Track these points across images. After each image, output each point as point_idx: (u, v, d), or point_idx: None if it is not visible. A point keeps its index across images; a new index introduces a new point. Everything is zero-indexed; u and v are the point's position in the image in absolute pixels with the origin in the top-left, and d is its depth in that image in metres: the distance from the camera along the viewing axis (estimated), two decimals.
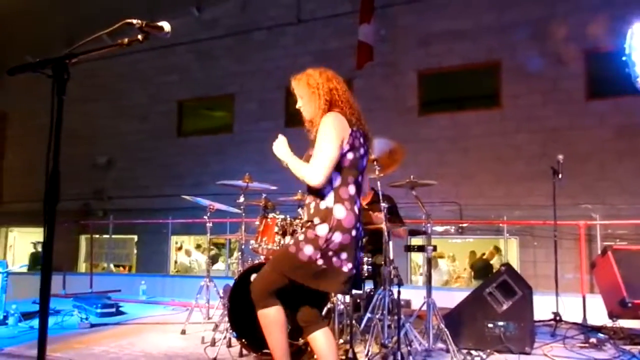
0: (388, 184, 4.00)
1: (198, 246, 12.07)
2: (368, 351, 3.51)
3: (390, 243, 3.74)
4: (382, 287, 3.74)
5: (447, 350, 3.61)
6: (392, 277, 3.68)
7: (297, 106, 2.62)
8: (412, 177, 3.95)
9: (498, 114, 9.37)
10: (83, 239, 12.58)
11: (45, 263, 1.56)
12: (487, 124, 9.39)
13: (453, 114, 9.86)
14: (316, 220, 2.38)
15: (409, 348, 3.61)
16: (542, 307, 4.65)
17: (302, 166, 2.42)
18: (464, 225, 8.59)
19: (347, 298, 3.85)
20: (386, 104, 10.03)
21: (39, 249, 12.03)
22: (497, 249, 10.20)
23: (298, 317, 2.57)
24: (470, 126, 9.49)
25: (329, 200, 2.39)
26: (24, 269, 6.40)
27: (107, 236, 10.88)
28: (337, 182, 2.42)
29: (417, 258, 10.29)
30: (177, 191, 9.27)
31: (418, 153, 8.94)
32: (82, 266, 12.43)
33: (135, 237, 12.34)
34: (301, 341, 3.49)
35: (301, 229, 2.48)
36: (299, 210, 4.05)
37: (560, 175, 4.87)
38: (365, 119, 2.59)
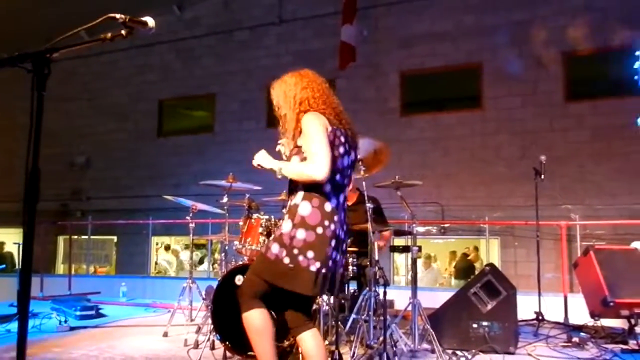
0: (373, 184, 3.99)
1: (186, 246, 11.90)
2: (354, 352, 3.49)
3: (376, 244, 3.73)
4: (368, 288, 3.73)
5: (433, 351, 3.61)
6: (377, 277, 3.67)
7: (277, 114, 2.60)
8: (397, 177, 3.95)
9: (479, 115, 9.45)
10: (61, 240, 12.33)
11: (24, 264, 1.50)
12: (468, 125, 9.48)
13: (434, 115, 9.92)
14: (284, 217, 2.41)
15: (394, 349, 3.60)
16: (524, 306, 4.69)
17: (301, 165, 2.36)
18: (446, 225, 8.64)
19: (332, 299, 3.83)
20: (368, 105, 10.05)
21: (5, 249, 11.77)
22: (475, 249, 10.32)
23: (287, 319, 2.54)
24: (452, 127, 9.56)
25: (297, 198, 2.38)
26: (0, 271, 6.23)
27: (86, 237, 10.67)
28: None
29: (398, 258, 10.33)
30: (157, 191, 9.14)
31: (400, 154, 8.98)
32: (60, 268, 12.18)
33: (115, 238, 12.14)
34: (286, 343, 3.45)
35: (266, 228, 2.51)
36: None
37: (542, 176, 4.92)
38: (349, 119, 2.55)
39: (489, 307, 3.89)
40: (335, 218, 2.39)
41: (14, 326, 4.73)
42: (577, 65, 9.04)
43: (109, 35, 1.77)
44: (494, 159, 9.17)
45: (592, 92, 8.93)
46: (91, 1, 10.24)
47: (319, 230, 2.32)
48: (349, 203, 4.75)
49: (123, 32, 1.79)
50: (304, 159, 2.38)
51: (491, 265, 4.18)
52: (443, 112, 9.96)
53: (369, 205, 3.68)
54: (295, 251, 2.30)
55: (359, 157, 3.80)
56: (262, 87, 10.46)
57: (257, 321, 2.42)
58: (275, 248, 2.34)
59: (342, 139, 2.45)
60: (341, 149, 2.44)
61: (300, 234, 2.31)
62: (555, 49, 8.93)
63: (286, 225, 2.35)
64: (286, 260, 2.31)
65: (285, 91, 2.53)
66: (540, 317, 4.81)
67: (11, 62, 1.54)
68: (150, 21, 1.87)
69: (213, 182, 4.32)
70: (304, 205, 2.34)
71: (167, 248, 11.87)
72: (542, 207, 5.30)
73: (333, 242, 2.37)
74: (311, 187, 2.36)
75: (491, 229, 8.80)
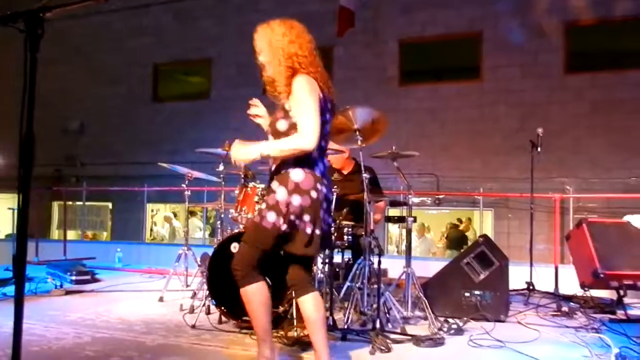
0: (370, 154, 3.98)
1: (175, 214, 11.96)
2: (348, 318, 3.54)
3: (371, 214, 3.74)
4: (362, 257, 3.76)
5: (425, 318, 3.67)
6: (372, 247, 3.70)
7: (258, 61, 2.51)
8: (394, 148, 3.93)
9: (477, 86, 9.38)
10: (55, 206, 12.32)
11: (20, 229, 1.49)
12: (466, 96, 9.41)
13: (433, 85, 9.84)
14: (274, 185, 2.38)
15: (387, 315, 3.65)
16: (516, 277, 4.75)
17: (290, 141, 2.31)
18: (441, 196, 8.67)
19: (326, 267, 3.87)
20: (366, 73, 9.95)
21: None
22: (468, 220, 10.43)
23: (287, 277, 2.57)
24: (450, 98, 9.50)
25: (288, 164, 2.36)
26: None
27: (81, 203, 10.67)
28: None
29: (392, 228, 10.41)
30: (152, 158, 9.10)
31: (398, 124, 8.93)
32: (55, 233, 12.21)
33: (110, 205, 12.14)
34: (281, 309, 3.50)
35: (261, 197, 2.43)
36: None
37: (539, 149, 4.92)
38: (331, 84, 2.50)
39: (482, 276, 3.94)
40: (325, 181, 2.44)
41: (9, 289, 4.76)
42: (578, 37, 8.94)
43: None
44: (492, 131, 9.14)
45: (592, 65, 8.85)
46: None
47: (313, 194, 2.36)
48: (345, 172, 4.76)
49: None
50: (292, 125, 2.35)
51: (485, 236, 4.21)
52: (442, 82, 9.87)
53: (365, 175, 3.68)
54: (292, 217, 2.33)
55: (356, 126, 3.80)
56: None
57: (257, 295, 2.43)
58: (271, 216, 2.33)
59: (329, 106, 2.46)
60: (327, 116, 2.44)
61: (296, 199, 2.33)
62: (556, 19, 8.81)
63: (281, 193, 2.34)
64: (284, 227, 2.33)
65: (272, 40, 2.43)
66: (531, 287, 4.88)
67: (3, 22, 1.50)
68: None
69: (209, 150, 4.29)
70: (296, 172, 2.35)
71: (169, 219, 11.89)
72: (537, 180, 5.32)
73: (325, 205, 2.45)
74: (298, 155, 2.35)
75: (485, 200, 8.85)
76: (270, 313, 2.52)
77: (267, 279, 3.55)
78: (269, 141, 2.41)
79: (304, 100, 2.31)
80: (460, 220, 10.64)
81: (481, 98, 9.28)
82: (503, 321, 3.82)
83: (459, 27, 9.44)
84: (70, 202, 10.82)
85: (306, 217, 2.36)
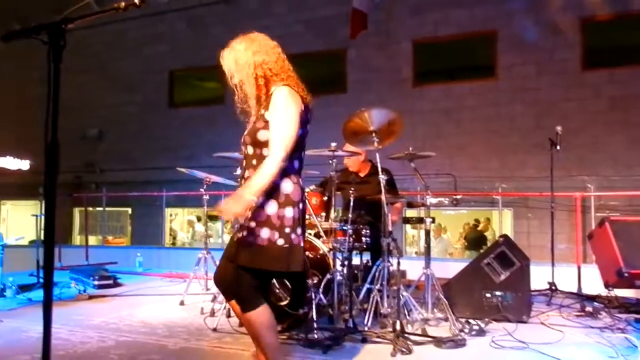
0: (386, 156, 3.97)
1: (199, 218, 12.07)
2: (368, 320, 3.54)
3: (389, 215, 3.74)
4: (381, 259, 3.75)
5: (446, 319, 3.65)
6: (390, 248, 3.69)
7: (232, 84, 2.42)
8: (410, 149, 3.93)
9: (493, 85, 9.30)
10: (77, 212, 12.51)
11: (47, 235, 1.52)
12: (481, 95, 9.34)
13: (447, 85, 9.78)
14: (262, 198, 2.19)
15: (408, 317, 3.64)
16: (537, 277, 4.70)
17: (266, 169, 2.17)
18: (459, 197, 8.61)
19: (345, 269, 3.88)
20: (380, 74, 9.92)
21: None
22: (487, 220, 10.35)
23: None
24: (465, 98, 9.43)
25: (276, 177, 2.21)
26: (21, 242, 6.36)
27: (101, 209, 10.81)
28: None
29: (409, 229, 10.37)
30: (169, 163, 9.19)
31: (413, 125, 8.88)
32: (77, 239, 12.40)
33: (130, 210, 12.29)
34: (301, 311, 3.51)
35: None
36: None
37: (558, 147, 4.86)
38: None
39: (502, 277, 3.91)
40: (305, 192, 2.39)
41: (34, 295, 4.85)
42: (595, 32, 8.81)
43: (123, 4, 1.74)
44: (508, 130, 9.06)
45: (609, 61, 8.72)
46: None
47: (301, 206, 2.31)
48: (362, 175, 4.76)
49: (136, 0, 1.77)
50: (254, 130, 2.29)
51: (505, 236, 4.18)
52: (456, 82, 9.80)
53: (382, 177, 3.68)
54: (287, 230, 2.23)
55: (372, 128, 3.80)
56: None
57: (264, 317, 2.30)
58: (265, 233, 2.20)
59: (309, 116, 2.37)
60: (307, 127, 2.37)
61: (289, 212, 2.24)
62: (572, 15, 8.71)
63: (271, 207, 2.22)
64: (280, 242, 2.22)
65: (237, 58, 2.37)
66: (553, 288, 4.82)
67: (27, 34, 1.53)
68: None
69: (227, 154, 4.32)
70: (285, 183, 2.25)
71: (192, 223, 12.00)
72: (556, 178, 5.26)
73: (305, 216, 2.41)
74: (286, 166, 2.25)
75: (504, 200, 8.76)
76: (277, 335, 2.42)
77: (287, 282, 3.59)
78: (252, 180, 2.19)
79: (284, 115, 2.23)
80: (478, 221, 10.56)
81: (497, 97, 9.20)
82: (525, 322, 3.78)
83: (472, 26, 9.37)
84: (90, 208, 10.97)
85: (298, 230, 2.28)
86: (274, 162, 2.18)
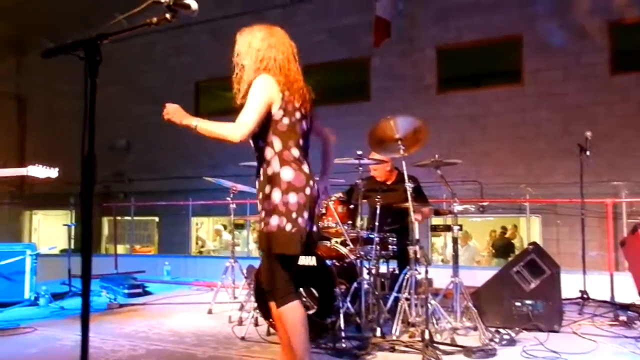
0: (412, 163, 3.96)
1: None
2: (395, 329, 3.52)
3: (416, 223, 3.72)
4: (408, 267, 3.73)
5: (475, 329, 3.60)
6: (418, 256, 3.66)
7: (235, 61, 2.56)
8: (437, 156, 3.90)
9: (518, 90, 9.19)
10: (105, 221, 12.75)
11: (84, 245, 1.56)
12: (507, 101, 9.24)
13: (472, 92, 9.70)
14: (267, 188, 2.35)
15: (436, 326, 3.61)
16: (568, 285, 4.60)
17: (220, 125, 2.35)
18: (485, 204, 8.49)
19: (371, 278, 3.86)
20: (403, 82, 9.90)
21: None
22: (515, 227, 10.18)
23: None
24: (490, 104, 9.34)
25: (275, 165, 2.36)
26: (54, 251, 6.51)
27: (129, 218, 11.00)
28: (279, 146, 2.38)
29: (434, 237, 10.27)
30: (195, 173, 9.31)
31: (437, 132, 8.81)
32: (105, 247, 12.63)
33: (157, 219, 12.47)
34: (328, 320, 3.51)
35: (258, 199, 2.41)
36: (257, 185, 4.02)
37: (588, 152, 4.77)
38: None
39: (533, 285, 3.84)
40: (313, 179, 2.44)
41: (66, 303, 4.96)
42: (624, 35, 8.65)
43: (155, 19, 1.79)
44: (534, 136, 8.93)
45: (639, 64, 8.54)
46: None
47: (307, 191, 2.38)
48: (388, 182, 4.74)
49: (168, 15, 1.81)
50: None
51: (534, 243, 4.11)
52: (481, 88, 9.72)
53: (409, 184, 3.66)
54: (294, 215, 2.32)
55: (398, 136, 3.80)
56: None
57: (298, 313, 2.38)
58: (274, 220, 2.31)
59: (296, 105, 2.42)
60: (297, 114, 2.43)
61: (292, 197, 2.32)
62: (600, 18, 8.56)
63: (276, 195, 2.32)
64: (288, 227, 2.31)
65: (251, 42, 2.50)
66: (585, 296, 4.71)
67: (65, 50, 1.59)
68: (193, 4, 1.89)
69: (252, 163, 4.35)
70: (285, 171, 2.35)
71: (219, 233, 12.13)
72: (586, 184, 5.15)
73: (316, 202, 2.46)
74: (284, 154, 2.36)
75: (532, 206, 8.62)
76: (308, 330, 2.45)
77: (314, 290, 3.60)
78: (204, 120, 2.40)
79: (252, 97, 2.34)
80: (505, 228, 10.40)
81: (522, 102, 9.09)
82: (557, 331, 3.71)
83: (496, 31, 9.29)
84: (119, 217, 11.18)
85: (305, 214, 2.36)
86: (233, 129, 2.31)
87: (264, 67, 2.44)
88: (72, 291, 5.40)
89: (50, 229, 13.20)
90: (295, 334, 2.36)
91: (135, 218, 11.34)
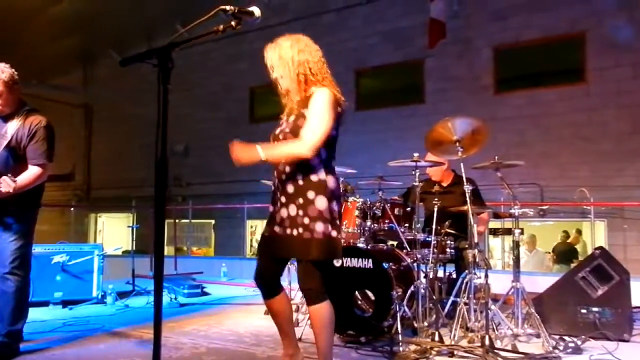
0: (469, 165, 3.89)
1: None
2: (454, 334, 3.46)
3: (475, 226, 3.64)
4: (467, 271, 3.66)
5: (538, 336, 3.49)
6: (477, 260, 3.59)
7: (272, 77, 2.63)
8: (496, 158, 3.81)
9: (582, 89, 8.82)
10: (165, 224, 13.21)
11: (157, 245, 1.64)
12: (569, 100, 8.88)
13: (531, 91, 9.38)
14: (310, 194, 2.39)
15: (496, 332, 3.52)
16: (638, 293, 4.37)
17: (288, 145, 2.42)
18: (546, 207, 8.20)
19: (428, 281, 3.82)
20: (459, 83, 9.72)
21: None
22: (578, 232, 9.73)
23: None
24: (551, 103, 9.01)
25: (320, 173, 2.42)
26: (119, 252, 6.82)
27: (187, 221, 11.35)
28: (325, 155, 2.46)
29: (492, 241, 9.97)
30: (251, 176, 9.45)
31: (495, 133, 8.55)
32: (165, 249, 13.07)
33: (213, 222, 12.80)
34: (385, 324, 3.49)
35: (292, 202, 2.43)
36: (379, 193, 4.03)
37: None
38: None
39: (600, 292, 3.68)
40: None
41: (130, 302, 5.18)
42: None
43: (221, 27, 1.87)
44: (600, 136, 8.53)
45: None
46: None
47: (341, 199, 2.59)
48: (445, 184, 4.67)
49: (233, 23, 1.89)
50: (285, 134, 2.50)
51: (601, 248, 3.93)
52: (541, 87, 9.39)
53: (467, 187, 3.60)
54: (337, 222, 2.44)
55: (456, 137, 3.74)
56: (350, 69, 10.52)
57: (329, 313, 2.47)
58: (320, 227, 2.36)
59: (342, 119, 2.52)
60: (338, 130, 2.52)
61: (334, 205, 2.43)
62: None
63: (321, 201, 2.38)
64: (334, 233, 2.40)
65: (281, 53, 2.57)
66: None
67: (140, 59, 1.67)
68: (256, 11, 1.96)
69: None
70: (330, 179, 2.44)
71: None
72: None
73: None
74: (327, 164, 2.45)
75: (597, 210, 8.24)
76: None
77: (370, 293, 3.59)
78: (269, 145, 2.49)
79: (321, 112, 2.39)
80: (567, 233, 9.96)
81: (587, 102, 8.70)
82: (627, 341, 3.53)
83: (558, 29, 8.96)
84: (177, 220, 11.56)
85: (339, 222, 2.47)
86: (304, 145, 2.36)
87: (304, 71, 2.51)
88: (136, 290, 5.62)
89: (114, 231, 13.82)
90: (322, 332, 2.46)
91: (193, 221, 11.69)
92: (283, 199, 2.49)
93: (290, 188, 2.46)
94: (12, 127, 3.20)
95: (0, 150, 3.16)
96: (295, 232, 2.39)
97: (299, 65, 2.51)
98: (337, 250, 2.44)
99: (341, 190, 4.16)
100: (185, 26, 1.97)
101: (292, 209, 2.42)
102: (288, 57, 2.54)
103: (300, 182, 2.43)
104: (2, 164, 3.15)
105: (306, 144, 2.36)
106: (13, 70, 3.21)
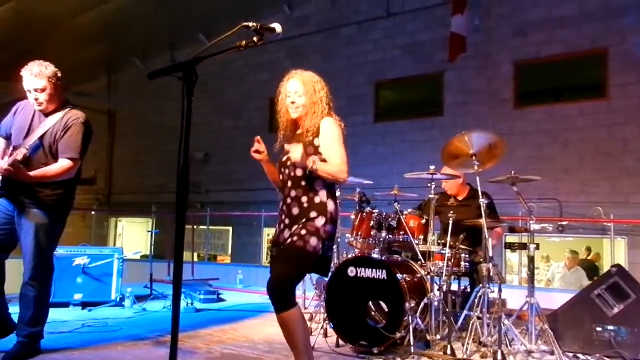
0: (486, 179, 3.90)
1: None
2: (467, 348, 3.46)
3: (490, 240, 3.66)
4: (481, 285, 3.67)
5: (552, 353, 3.47)
6: (491, 274, 3.60)
7: (291, 100, 2.75)
8: (512, 172, 3.82)
9: (604, 105, 8.74)
10: (184, 230, 13.36)
11: (177, 251, 1.70)
12: (590, 116, 8.81)
13: (551, 106, 9.33)
14: (313, 214, 2.56)
15: (509, 348, 3.51)
16: None
17: (335, 167, 2.57)
18: (564, 223, 8.11)
19: (442, 295, 3.83)
20: (479, 97, 9.71)
21: None
22: (588, 250, 9.56)
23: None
24: (572, 119, 8.94)
25: (322, 196, 2.60)
26: (138, 256, 6.94)
27: (205, 227, 11.48)
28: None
29: (511, 256, 9.88)
30: (268, 185, 9.55)
31: (513, 148, 8.54)
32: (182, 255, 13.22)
33: (231, 229, 12.92)
34: (398, 335, 3.51)
35: (296, 223, 2.59)
36: (396, 205, 4.07)
37: None
38: None
39: (616, 310, 3.64)
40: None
41: (148, 305, 5.28)
42: None
43: (244, 42, 1.95)
44: (621, 153, 8.44)
45: None
46: (206, 6, 11.02)
47: (337, 223, 2.75)
48: (460, 198, 4.69)
49: (255, 39, 1.97)
50: (323, 160, 2.58)
51: (618, 266, 3.89)
52: (561, 102, 9.34)
53: (483, 200, 3.62)
54: (328, 242, 2.61)
55: (472, 151, 3.77)
56: (370, 82, 10.60)
57: (300, 315, 2.58)
58: (314, 241, 2.53)
59: None
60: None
61: (330, 227, 2.60)
62: None
63: (321, 221, 2.56)
64: (321, 251, 2.58)
65: (316, 88, 2.73)
66: None
67: (166, 72, 1.76)
68: (278, 27, 2.04)
69: None
70: (331, 203, 2.62)
71: None
72: None
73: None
74: (330, 187, 2.64)
75: (617, 227, 8.12)
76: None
77: (383, 304, 3.62)
78: (322, 163, 2.56)
79: (338, 141, 2.64)
80: (589, 249, 9.77)
81: (608, 118, 8.63)
82: None
83: (579, 45, 8.91)
84: (196, 227, 11.70)
85: (331, 244, 2.66)
86: (340, 168, 2.56)
87: (327, 113, 2.71)
88: (154, 295, 5.72)
89: (133, 235, 14.03)
90: (300, 334, 2.55)
91: (211, 228, 11.81)
92: (287, 221, 2.64)
93: (295, 210, 2.62)
94: (52, 120, 3.26)
95: (35, 140, 3.20)
96: (289, 240, 2.57)
97: (322, 101, 2.71)
98: (314, 265, 2.60)
99: (356, 201, 4.24)
100: (208, 36, 2.05)
101: (295, 229, 2.59)
102: (323, 94, 2.74)
103: (305, 205, 2.60)
104: (32, 152, 3.18)
105: (342, 170, 2.57)
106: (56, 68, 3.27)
